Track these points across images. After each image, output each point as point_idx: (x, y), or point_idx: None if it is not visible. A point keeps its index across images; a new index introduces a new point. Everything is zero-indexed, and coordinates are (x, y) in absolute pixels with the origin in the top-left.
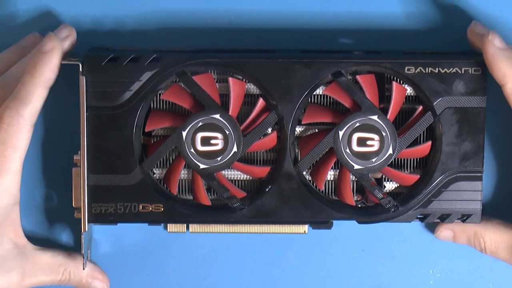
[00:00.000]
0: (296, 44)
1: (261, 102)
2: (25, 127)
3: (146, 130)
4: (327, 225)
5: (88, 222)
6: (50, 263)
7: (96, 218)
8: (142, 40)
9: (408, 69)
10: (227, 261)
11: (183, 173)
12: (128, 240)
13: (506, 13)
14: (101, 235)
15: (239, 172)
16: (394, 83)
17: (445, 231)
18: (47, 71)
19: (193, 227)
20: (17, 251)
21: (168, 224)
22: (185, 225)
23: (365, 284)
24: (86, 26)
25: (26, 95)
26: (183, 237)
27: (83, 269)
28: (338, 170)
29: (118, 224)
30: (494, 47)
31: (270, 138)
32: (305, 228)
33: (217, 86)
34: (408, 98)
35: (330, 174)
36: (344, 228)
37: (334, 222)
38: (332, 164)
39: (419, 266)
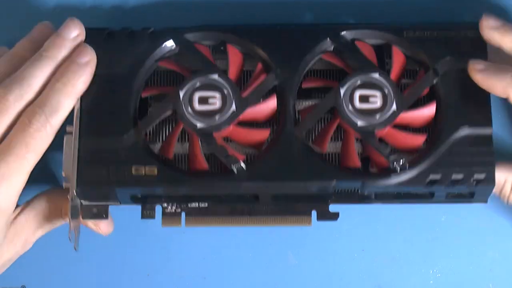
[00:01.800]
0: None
1: (259, 67)
2: (51, 136)
3: (143, 95)
4: (332, 215)
5: (78, 186)
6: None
7: (86, 183)
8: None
9: (407, 33)
10: (227, 261)
11: (180, 148)
12: (127, 240)
13: None
14: (101, 235)
15: (237, 145)
16: (393, 47)
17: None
18: (81, 83)
19: (189, 221)
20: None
21: (162, 218)
22: (180, 219)
23: (365, 284)
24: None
25: (57, 105)
26: (182, 237)
27: (70, 241)
28: (341, 142)
29: (118, 224)
30: (479, 72)
31: (270, 100)
32: (309, 219)
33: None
34: (407, 73)
35: (334, 147)
36: (344, 228)
37: (336, 220)
38: (335, 127)
39: (419, 266)
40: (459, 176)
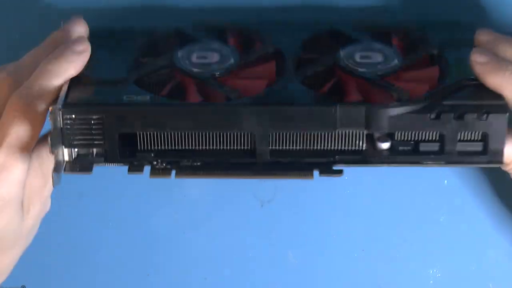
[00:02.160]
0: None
1: (258, 44)
2: (44, 116)
3: (141, 60)
4: (336, 171)
5: (64, 106)
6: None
7: (73, 107)
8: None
9: (406, 24)
10: (227, 261)
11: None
12: (127, 239)
13: None
14: (101, 236)
15: None
16: (391, 33)
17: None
18: (73, 69)
19: (179, 172)
20: None
21: (151, 170)
22: (170, 170)
23: (365, 284)
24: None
25: (48, 87)
26: (182, 237)
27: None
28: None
29: (118, 223)
30: (478, 65)
31: (269, 61)
32: (311, 174)
33: None
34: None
35: None
36: (344, 228)
37: (336, 218)
38: (335, 81)
39: (419, 266)
40: (468, 108)
